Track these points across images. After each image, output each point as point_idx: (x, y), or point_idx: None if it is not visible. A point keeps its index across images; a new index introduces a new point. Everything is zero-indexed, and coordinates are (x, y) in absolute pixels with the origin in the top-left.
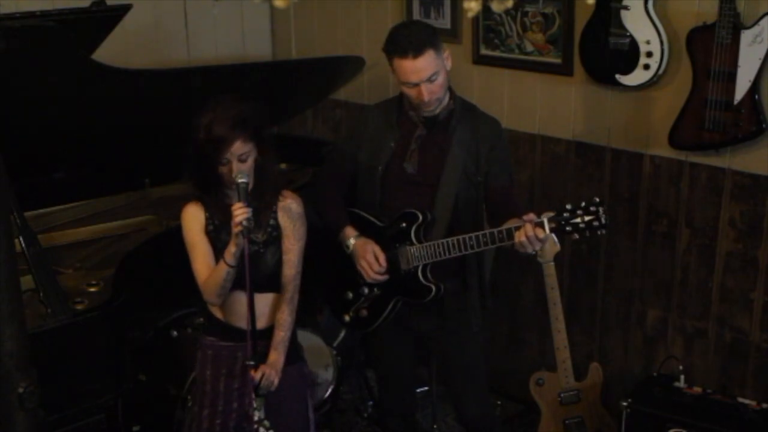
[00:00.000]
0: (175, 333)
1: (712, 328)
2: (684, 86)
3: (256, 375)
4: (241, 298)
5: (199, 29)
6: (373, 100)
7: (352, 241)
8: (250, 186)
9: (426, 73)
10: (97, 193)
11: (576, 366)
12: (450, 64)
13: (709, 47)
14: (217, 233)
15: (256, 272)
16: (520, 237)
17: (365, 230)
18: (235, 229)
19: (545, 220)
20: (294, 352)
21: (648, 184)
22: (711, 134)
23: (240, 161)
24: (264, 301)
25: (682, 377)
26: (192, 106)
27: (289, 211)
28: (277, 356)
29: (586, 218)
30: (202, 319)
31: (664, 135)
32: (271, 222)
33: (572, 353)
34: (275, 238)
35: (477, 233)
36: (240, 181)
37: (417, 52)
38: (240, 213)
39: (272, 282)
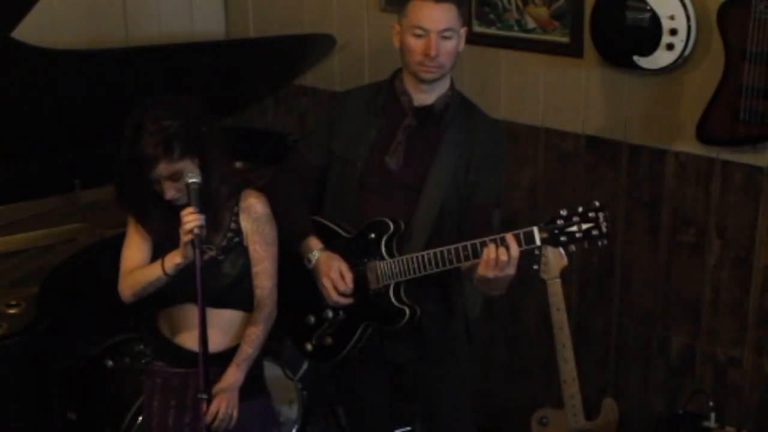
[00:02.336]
0: (110, 363)
1: (749, 358)
2: (715, 70)
3: (210, 410)
4: (192, 314)
5: (140, 3)
6: (344, 87)
7: (315, 254)
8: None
9: (443, 23)
10: (17, 196)
11: (586, 402)
12: (463, 46)
13: (744, 24)
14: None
15: (212, 284)
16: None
17: (328, 242)
18: (185, 238)
19: (535, 229)
20: (258, 383)
21: (672, 186)
22: (747, 127)
23: (172, 180)
24: (220, 318)
25: (713, 416)
26: (130, 93)
27: (254, 212)
28: (236, 375)
29: (584, 226)
30: (142, 346)
31: (692, 128)
32: (232, 226)
33: (582, 387)
34: (236, 244)
35: (457, 245)
36: (191, 181)
37: None
38: (191, 220)
39: (231, 296)
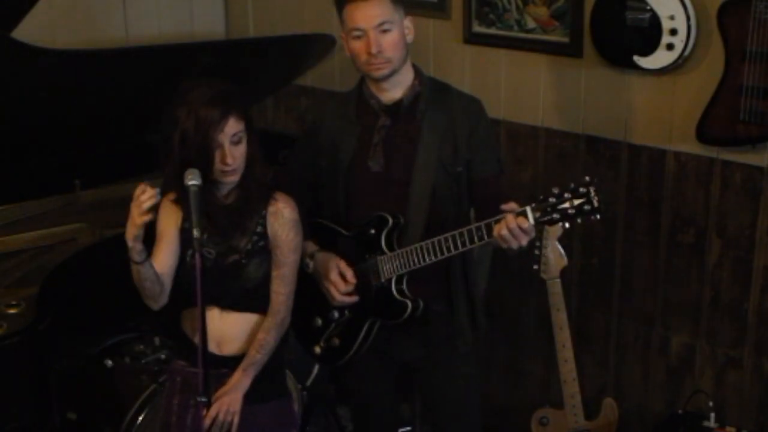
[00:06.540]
0: (110, 363)
1: (748, 358)
2: (715, 70)
3: (210, 413)
4: (213, 317)
5: (140, 3)
6: (344, 87)
7: (312, 258)
8: (228, 187)
9: (376, 18)
10: (17, 196)
11: (586, 402)
12: (412, 36)
13: (744, 23)
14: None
15: (234, 286)
16: (500, 230)
17: (330, 242)
18: (140, 220)
19: (528, 209)
20: (282, 385)
21: (672, 186)
22: (747, 127)
23: (233, 144)
24: (241, 322)
25: (713, 415)
26: (130, 93)
27: (281, 217)
28: (242, 379)
29: (576, 202)
30: (142, 346)
31: (692, 128)
32: (258, 229)
33: (582, 387)
34: (261, 248)
35: (453, 232)
36: (190, 183)
37: None
38: (147, 197)
39: (254, 300)
